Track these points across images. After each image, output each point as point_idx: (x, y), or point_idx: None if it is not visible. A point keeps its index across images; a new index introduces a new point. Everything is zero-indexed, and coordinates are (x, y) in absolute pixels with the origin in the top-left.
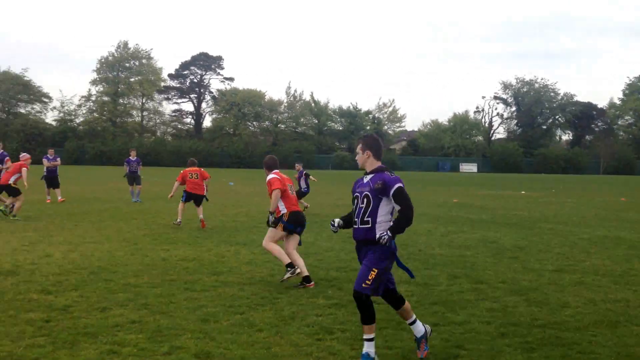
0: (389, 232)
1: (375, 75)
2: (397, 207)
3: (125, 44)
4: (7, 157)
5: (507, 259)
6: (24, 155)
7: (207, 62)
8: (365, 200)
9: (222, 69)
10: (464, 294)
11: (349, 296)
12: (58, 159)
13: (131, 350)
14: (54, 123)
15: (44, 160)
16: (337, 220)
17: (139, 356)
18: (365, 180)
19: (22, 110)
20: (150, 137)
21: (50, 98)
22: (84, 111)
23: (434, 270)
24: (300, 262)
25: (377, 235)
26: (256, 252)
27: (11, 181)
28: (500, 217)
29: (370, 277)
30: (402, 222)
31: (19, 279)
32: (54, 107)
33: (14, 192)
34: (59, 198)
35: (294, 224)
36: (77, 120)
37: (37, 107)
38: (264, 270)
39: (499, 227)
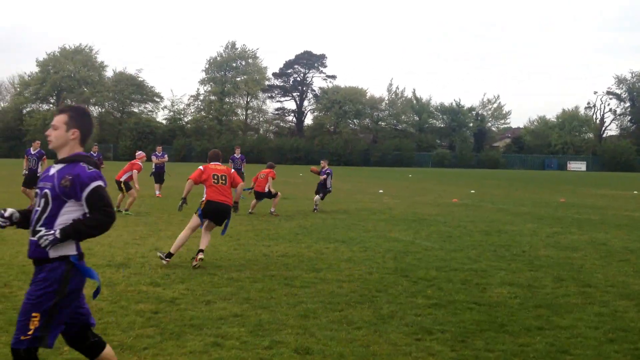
0: (58, 232)
1: (479, 71)
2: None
3: (233, 44)
4: (101, 157)
5: (617, 262)
6: (140, 154)
7: (311, 60)
8: (43, 200)
9: (325, 67)
10: (570, 297)
11: (449, 296)
12: (165, 156)
13: (234, 343)
14: (164, 122)
15: (153, 157)
16: (9, 210)
17: (241, 349)
18: (51, 172)
19: (135, 110)
20: (253, 135)
21: (161, 98)
22: (192, 110)
23: (539, 272)
24: (205, 240)
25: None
26: (355, 250)
27: (122, 179)
28: (610, 218)
29: (31, 327)
30: (87, 225)
31: (130, 271)
32: (165, 107)
33: (126, 187)
34: (157, 193)
35: (206, 213)
36: (186, 119)
37: (149, 106)
38: (362, 267)
39: (609, 229)
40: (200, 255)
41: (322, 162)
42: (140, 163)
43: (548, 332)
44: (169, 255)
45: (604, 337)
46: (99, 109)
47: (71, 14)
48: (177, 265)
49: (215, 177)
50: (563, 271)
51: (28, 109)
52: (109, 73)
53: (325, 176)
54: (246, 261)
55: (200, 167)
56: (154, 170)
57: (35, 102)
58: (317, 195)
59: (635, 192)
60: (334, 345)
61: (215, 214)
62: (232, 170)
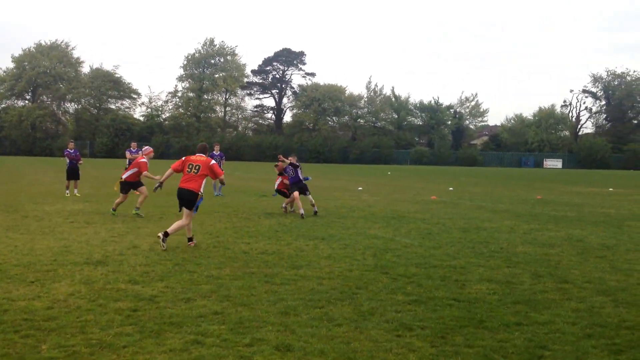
0: None
1: (457, 69)
2: None
3: (212, 41)
4: (79, 154)
5: (594, 258)
6: (146, 149)
7: (290, 57)
8: None
9: (304, 64)
10: (548, 293)
11: (429, 293)
12: (140, 152)
13: (214, 340)
14: (141, 118)
15: (127, 153)
16: None
17: (221, 347)
18: None
19: (112, 106)
20: (232, 132)
21: (139, 94)
22: (170, 107)
23: (517, 268)
24: (184, 228)
25: None
26: (335, 247)
27: (124, 177)
28: (586, 215)
29: None
30: None
31: (108, 269)
32: (142, 103)
33: (124, 187)
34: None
35: (178, 199)
36: (164, 116)
37: (126, 103)
38: (342, 264)
39: (585, 225)
40: (161, 236)
41: (290, 158)
42: (146, 159)
43: (526, 327)
44: (190, 239)
45: (581, 333)
46: (76, 105)
47: (47, 9)
48: (156, 262)
49: (190, 166)
50: (541, 267)
51: (3, 105)
52: (85, 69)
53: (292, 171)
54: (226, 259)
55: (183, 158)
56: (127, 166)
57: (10, 98)
58: (308, 195)
59: (610, 189)
60: (315, 342)
61: (180, 198)
62: (213, 162)
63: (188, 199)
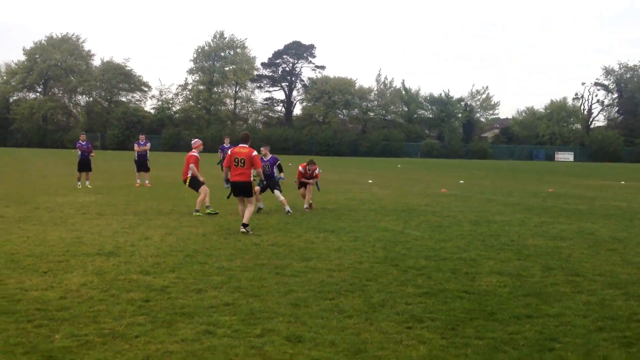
0: None
1: (468, 61)
2: None
3: (222, 33)
4: (90, 146)
5: (605, 252)
6: (195, 142)
7: (300, 50)
8: None
9: (314, 57)
10: (558, 286)
11: (439, 285)
12: (148, 144)
13: (225, 331)
14: (152, 111)
15: (135, 145)
16: None
17: (232, 337)
18: None
19: (123, 99)
20: (242, 125)
21: (149, 87)
22: (181, 100)
23: (527, 261)
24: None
25: None
26: (344, 239)
27: (189, 174)
28: (598, 208)
29: None
30: None
31: (120, 260)
32: (153, 96)
33: (193, 185)
34: (146, 182)
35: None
36: (174, 109)
37: (137, 95)
38: (352, 257)
39: (596, 218)
40: (242, 229)
41: (262, 148)
42: (196, 153)
43: (537, 320)
44: (245, 225)
45: (592, 326)
46: (87, 98)
47: (58, 2)
48: (167, 254)
49: (236, 160)
50: (551, 260)
51: (15, 98)
52: (96, 62)
53: (267, 166)
54: (237, 250)
55: (229, 152)
56: (136, 158)
57: (22, 90)
58: (277, 191)
59: (622, 182)
60: (325, 333)
61: (236, 189)
62: (254, 153)
63: (244, 189)
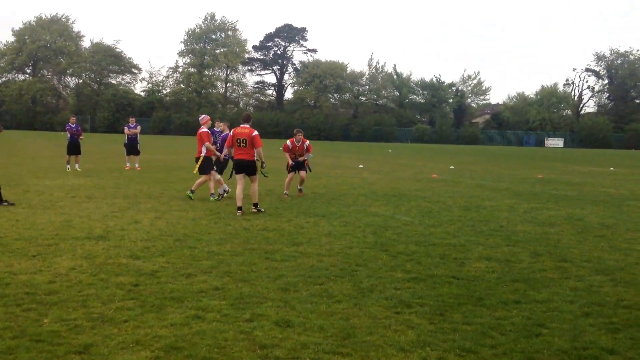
0: None
1: (460, 46)
2: None
3: (212, 15)
4: (80, 128)
5: (593, 238)
6: (203, 118)
7: (291, 33)
8: None
9: (306, 40)
10: (546, 272)
11: (428, 270)
12: (138, 127)
13: (215, 315)
14: (142, 94)
15: (125, 129)
16: None
17: (222, 322)
18: None
19: (113, 81)
20: (233, 108)
21: (139, 69)
22: (171, 82)
23: (516, 247)
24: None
25: None
26: (335, 224)
27: (203, 153)
28: (586, 194)
29: None
30: None
31: (109, 244)
32: (143, 78)
33: (203, 170)
34: (136, 166)
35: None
36: (164, 92)
37: (127, 78)
38: (342, 241)
39: (585, 205)
40: (254, 209)
41: (217, 122)
42: (206, 129)
43: (525, 305)
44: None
45: (579, 311)
46: (76, 79)
47: None
48: (157, 238)
49: (238, 141)
50: (540, 246)
51: (3, 79)
52: (86, 43)
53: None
54: (227, 235)
55: (231, 133)
56: (126, 142)
57: (11, 72)
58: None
59: (612, 168)
60: (314, 318)
61: (240, 167)
62: (255, 133)
63: (248, 167)
